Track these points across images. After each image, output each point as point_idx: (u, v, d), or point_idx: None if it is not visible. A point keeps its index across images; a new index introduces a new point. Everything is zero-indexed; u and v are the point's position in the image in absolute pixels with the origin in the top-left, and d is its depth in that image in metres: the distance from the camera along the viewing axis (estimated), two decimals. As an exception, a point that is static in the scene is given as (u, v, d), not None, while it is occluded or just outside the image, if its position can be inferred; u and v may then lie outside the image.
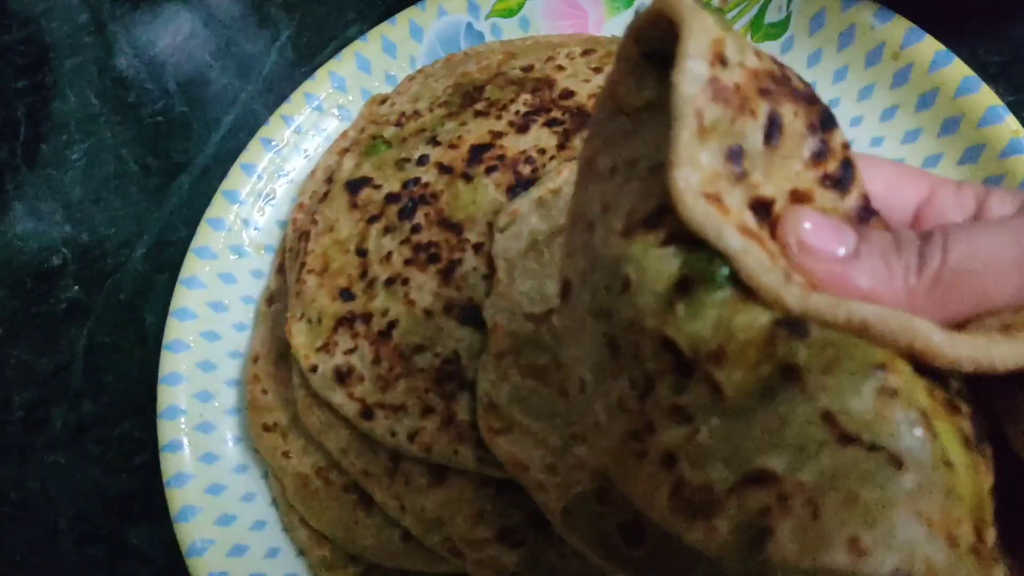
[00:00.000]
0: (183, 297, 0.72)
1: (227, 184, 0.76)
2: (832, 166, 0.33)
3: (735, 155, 0.31)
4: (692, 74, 0.29)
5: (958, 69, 0.66)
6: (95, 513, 0.74)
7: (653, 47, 0.33)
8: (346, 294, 0.63)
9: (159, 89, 0.93)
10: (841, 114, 0.70)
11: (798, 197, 0.32)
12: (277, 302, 0.72)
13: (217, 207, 0.75)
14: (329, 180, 0.73)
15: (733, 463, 0.30)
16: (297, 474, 0.64)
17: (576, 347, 0.35)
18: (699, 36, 0.29)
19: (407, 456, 0.57)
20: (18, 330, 0.83)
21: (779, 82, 0.32)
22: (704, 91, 0.29)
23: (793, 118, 0.31)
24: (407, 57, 0.82)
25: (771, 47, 0.76)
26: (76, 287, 0.84)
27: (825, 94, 0.72)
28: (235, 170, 0.77)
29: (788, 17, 0.76)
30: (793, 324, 0.29)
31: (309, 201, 0.73)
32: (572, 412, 0.44)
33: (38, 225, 0.88)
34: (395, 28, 0.81)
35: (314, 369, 0.61)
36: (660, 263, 0.31)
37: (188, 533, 0.63)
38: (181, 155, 0.89)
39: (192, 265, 0.73)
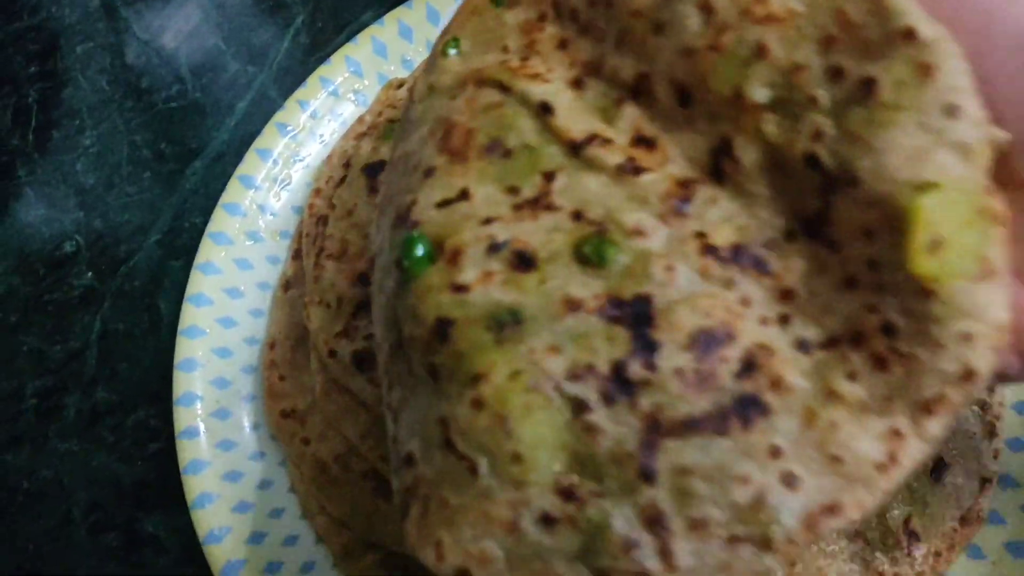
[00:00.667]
0: (199, 283, 0.71)
1: (242, 169, 0.75)
2: None
3: None
4: None
5: None
6: (109, 502, 0.74)
7: None
8: (365, 279, 0.62)
9: (172, 75, 0.92)
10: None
11: None
12: (294, 288, 0.71)
13: (232, 192, 0.75)
14: (346, 165, 0.72)
15: (410, 443, 0.37)
16: (315, 461, 0.63)
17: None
18: None
19: (428, 442, 0.57)
20: (31, 317, 0.83)
21: None
22: None
23: None
24: (424, 41, 0.81)
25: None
26: (89, 274, 0.83)
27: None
28: (250, 155, 0.76)
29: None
30: (446, 323, 0.36)
31: (326, 186, 0.73)
32: None
33: (50, 212, 0.87)
34: (412, 12, 0.80)
35: (333, 354, 0.60)
36: (394, 245, 0.40)
37: (205, 521, 0.63)
38: (195, 141, 0.88)
39: (208, 250, 0.72)
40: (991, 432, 0.58)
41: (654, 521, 0.33)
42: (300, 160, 0.77)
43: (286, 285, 0.72)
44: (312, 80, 0.79)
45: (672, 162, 0.39)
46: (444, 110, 0.43)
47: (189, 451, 0.65)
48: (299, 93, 0.78)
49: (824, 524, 0.33)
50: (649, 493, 0.34)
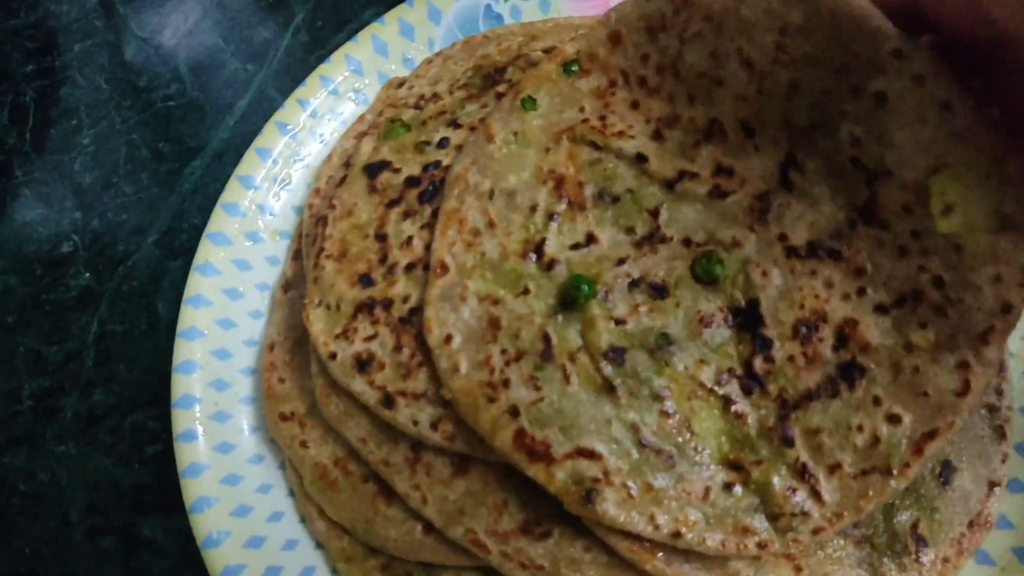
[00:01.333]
0: (197, 284, 0.70)
1: (242, 169, 0.75)
2: None
3: None
4: None
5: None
6: (107, 504, 0.73)
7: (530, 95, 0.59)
8: (365, 280, 0.61)
9: (170, 73, 0.92)
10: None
11: None
12: (293, 289, 0.71)
13: (232, 192, 0.74)
14: (346, 164, 0.71)
15: (568, 434, 0.50)
16: (315, 464, 0.62)
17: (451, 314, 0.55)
18: None
19: (429, 445, 0.56)
20: (28, 318, 0.82)
21: None
22: None
23: None
24: (425, 40, 0.80)
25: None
26: (87, 274, 0.83)
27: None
28: (250, 155, 0.75)
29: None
30: (618, 350, 0.52)
31: (326, 186, 0.72)
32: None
33: (48, 212, 0.87)
34: (413, 10, 0.79)
35: (333, 356, 0.59)
36: (550, 283, 0.55)
37: (204, 524, 0.62)
38: (193, 140, 0.87)
39: (207, 251, 0.71)
40: (1000, 435, 0.57)
41: (801, 472, 0.49)
42: (300, 160, 0.76)
43: (286, 286, 0.71)
44: (312, 79, 0.78)
45: (749, 182, 0.53)
46: (546, 162, 0.58)
47: (187, 454, 0.64)
48: (299, 92, 0.77)
49: (928, 446, 0.48)
50: (792, 453, 0.50)
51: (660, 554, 0.50)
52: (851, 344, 0.50)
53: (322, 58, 0.80)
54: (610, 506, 0.49)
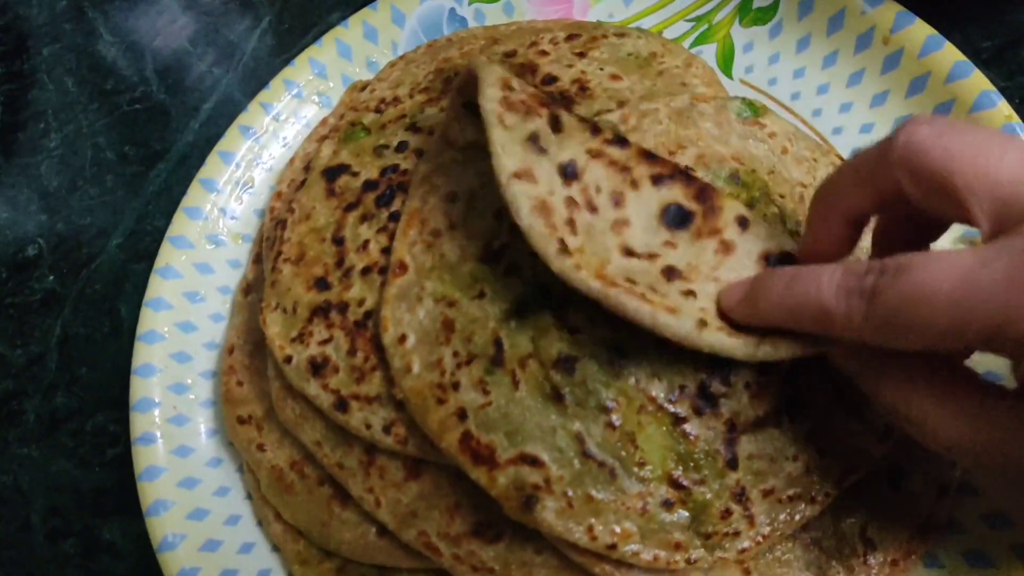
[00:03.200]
0: (158, 287, 0.70)
1: (204, 172, 0.75)
2: (608, 135, 0.53)
3: (534, 138, 0.50)
4: (489, 95, 0.50)
5: (950, 54, 0.65)
6: (68, 508, 0.73)
7: (470, 99, 0.53)
8: (322, 283, 0.61)
9: (137, 76, 0.92)
10: (831, 100, 0.69)
11: (593, 154, 0.51)
12: (254, 292, 0.71)
13: (194, 196, 0.74)
14: (307, 168, 0.71)
15: (513, 440, 0.50)
16: (272, 467, 0.62)
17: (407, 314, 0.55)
18: (490, 76, 0.51)
19: (382, 449, 0.56)
20: (-8, 321, 0.82)
21: (552, 100, 0.53)
22: (500, 104, 0.50)
23: (568, 117, 0.52)
24: (389, 43, 0.80)
25: (759, 32, 0.75)
26: (51, 277, 0.83)
27: (814, 79, 0.72)
28: (212, 158, 0.75)
29: (777, 1, 0.74)
30: (569, 359, 0.51)
31: (287, 189, 0.72)
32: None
33: (13, 215, 0.86)
34: (377, 14, 0.80)
35: (288, 360, 0.59)
36: (506, 287, 0.53)
37: (160, 528, 0.62)
38: (159, 143, 0.87)
39: (168, 254, 0.71)
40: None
41: (739, 495, 0.50)
42: (263, 163, 0.77)
43: (246, 289, 0.71)
44: (276, 82, 0.78)
45: None
46: None
47: (145, 457, 0.64)
48: (262, 95, 0.78)
49: (847, 481, 0.51)
50: (734, 476, 0.50)
51: (613, 561, 0.50)
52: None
53: (288, 61, 0.80)
54: (549, 514, 0.48)
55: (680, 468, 0.50)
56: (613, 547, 0.49)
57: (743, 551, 0.50)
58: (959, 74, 0.64)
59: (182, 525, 0.62)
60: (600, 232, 0.50)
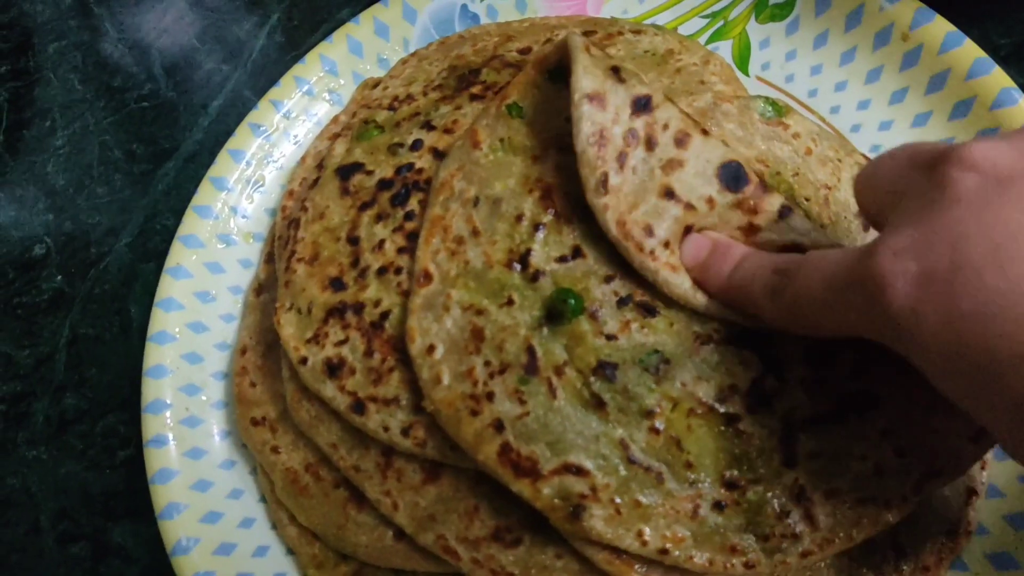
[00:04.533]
0: (169, 287, 0.69)
1: (214, 171, 0.74)
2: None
3: (616, 69, 0.51)
4: (576, 40, 0.53)
5: (969, 51, 0.64)
6: (78, 510, 0.72)
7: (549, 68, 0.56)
8: (337, 284, 0.60)
9: (145, 73, 0.91)
10: (848, 97, 0.69)
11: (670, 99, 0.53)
12: (266, 292, 0.70)
13: (204, 194, 0.73)
14: (319, 166, 0.70)
15: (555, 449, 0.49)
16: (286, 470, 0.61)
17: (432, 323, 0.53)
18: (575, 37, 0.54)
19: (400, 451, 0.55)
20: (-1, 321, 0.81)
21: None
22: (584, 45, 0.53)
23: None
24: (400, 40, 0.79)
25: (775, 29, 0.74)
26: (59, 277, 0.82)
27: (832, 76, 0.71)
28: (223, 156, 0.75)
29: (793, -3, 0.74)
30: (608, 366, 0.50)
31: (299, 188, 0.71)
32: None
33: (20, 214, 0.86)
34: (388, 10, 0.79)
35: (304, 361, 0.58)
36: (535, 295, 0.52)
37: (173, 531, 0.61)
38: (167, 141, 0.86)
39: (178, 254, 0.71)
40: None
41: (798, 495, 0.48)
42: (274, 161, 0.76)
43: (258, 289, 0.70)
44: (286, 79, 0.77)
45: None
46: (533, 171, 0.56)
47: (157, 460, 0.64)
48: (273, 93, 0.77)
49: (929, 485, 0.47)
50: (791, 475, 0.48)
51: (637, 566, 0.50)
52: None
53: (297, 58, 0.79)
54: (598, 522, 0.48)
55: (734, 468, 0.49)
56: (665, 552, 0.48)
57: (805, 554, 0.48)
58: (979, 71, 0.64)
59: (196, 528, 0.61)
60: (648, 171, 0.51)
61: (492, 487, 0.52)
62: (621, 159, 0.50)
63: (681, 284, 0.50)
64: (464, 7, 0.79)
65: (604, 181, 0.49)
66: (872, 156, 0.63)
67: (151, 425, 0.65)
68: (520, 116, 0.58)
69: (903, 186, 0.41)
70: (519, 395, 0.50)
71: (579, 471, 0.49)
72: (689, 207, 0.51)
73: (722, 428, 0.49)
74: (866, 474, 0.48)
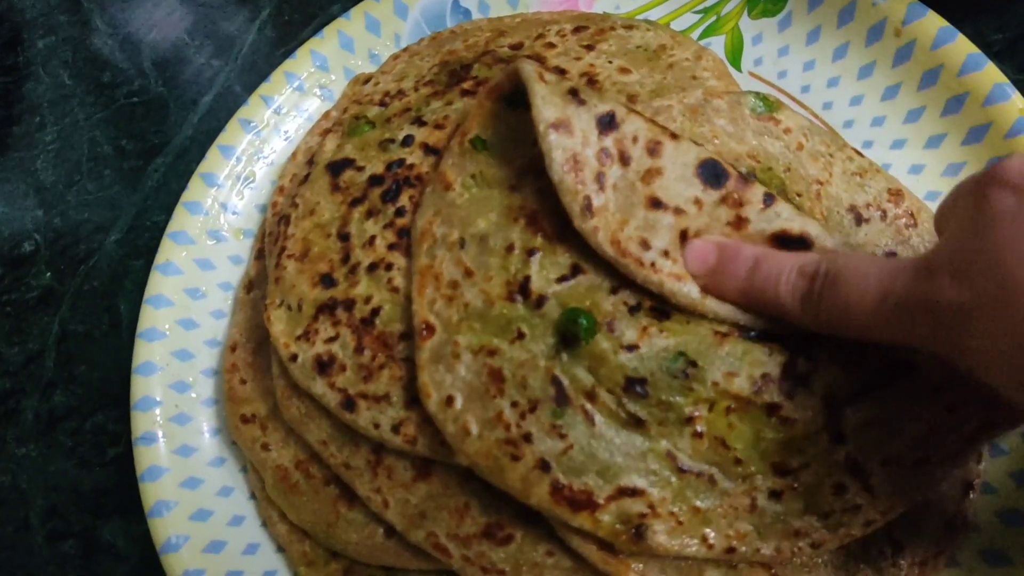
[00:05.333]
0: (158, 283, 0.69)
1: (204, 167, 0.73)
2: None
3: (573, 92, 0.51)
4: (527, 67, 0.53)
5: (962, 46, 0.64)
6: (68, 508, 0.72)
7: (503, 94, 0.56)
8: (327, 280, 0.60)
9: (135, 69, 0.90)
10: (841, 93, 0.69)
11: (632, 109, 0.52)
12: (256, 289, 0.69)
13: (194, 190, 0.73)
14: (310, 162, 0.70)
15: (606, 476, 0.48)
16: (276, 467, 0.61)
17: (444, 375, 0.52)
18: (525, 62, 0.53)
19: (391, 448, 0.55)
20: (-12, 318, 0.80)
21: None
22: (536, 71, 0.52)
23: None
24: (391, 35, 0.79)
25: (768, 24, 0.74)
26: (48, 274, 0.81)
27: (824, 72, 0.71)
28: (213, 152, 0.74)
29: (786, -8, 0.73)
30: (637, 382, 0.49)
31: (289, 184, 0.71)
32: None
33: (9, 210, 0.85)
34: (379, 5, 0.78)
35: (294, 358, 0.58)
36: (543, 322, 0.51)
37: (163, 529, 0.61)
38: (157, 137, 0.86)
39: (168, 250, 0.70)
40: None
41: (854, 468, 0.48)
42: (264, 157, 0.75)
43: (249, 286, 0.70)
44: (277, 75, 0.77)
45: None
46: (513, 199, 0.55)
47: (146, 457, 0.63)
48: (263, 88, 0.76)
49: (984, 437, 0.49)
50: (842, 450, 0.48)
51: (633, 564, 0.50)
52: None
53: (288, 54, 0.78)
54: (661, 536, 0.48)
55: (783, 456, 0.49)
56: (732, 550, 0.48)
57: (869, 523, 0.48)
58: (972, 67, 0.63)
59: (185, 526, 0.61)
60: (628, 185, 0.51)
61: (482, 484, 0.52)
62: (599, 180, 0.50)
63: (689, 293, 0.50)
64: (456, 3, 0.79)
65: (588, 205, 0.49)
66: (864, 152, 0.63)
67: (140, 422, 0.64)
68: (486, 148, 0.57)
69: (958, 211, 0.43)
70: (557, 430, 0.49)
71: (634, 492, 0.49)
72: (679, 212, 0.51)
73: (766, 419, 0.49)
74: (921, 434, 0.48)
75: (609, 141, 0.51)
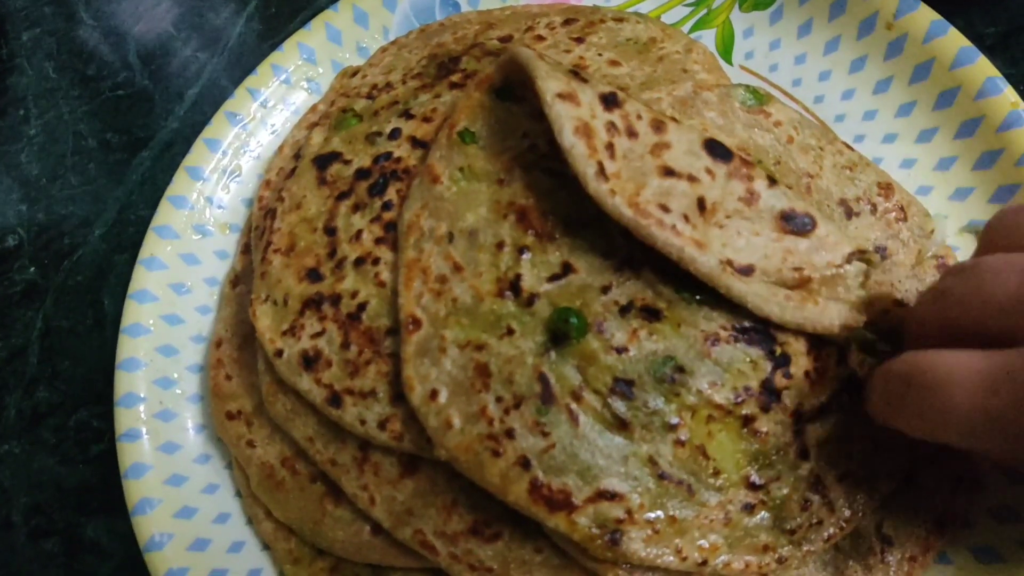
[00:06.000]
0: (142, 278, 0.68)
1: (190, 160, 0.73)
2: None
3: (575, 72, 0.52)
4: (525, 51, 0.53)
5: (954, 40, 0.64)
6: (51, 505, 0.71)
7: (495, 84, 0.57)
8: (314, 275, 0.59)
9: (120, 61, 0.89)
10: (833, 87, 0.68)
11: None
12: (242, 284, 0.69)
13: (179, 184, 0.72)
14: (297, 156, 0.69)
15: (586, 478, 0.48)
16: (262, 464, 0.60)
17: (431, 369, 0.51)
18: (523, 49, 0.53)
19: (377, 445, 0.54)
20: (-29, 314, 0.80)
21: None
22: (536, 54, 0.53)
23: None
24: (380, 27, 0.78)
25: (759, 17, 0.73)
26: (32, 269, 0.80)
27: (816, 66, 0.70)
28: (198, 145, 0.73)
29: (777, -14, 0.73)
30: (625, 383, 0.49)
31: (276, 178, 0.70)
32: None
33: (-8, 204, 0.84)
34: (367, -3, 0.78)
35: (279, 354, 0.57)
36: (534, 319, 0.51)
37: (146, 527, 0.60)
38: (142, 130, 0.85)
39: (152, 245, 0.69)
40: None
41: (816, 483, 0.50)
42: (250, 151, 0.75)
43: (234, 281, 0.69)
44: (264, 67, 0.76)
45: None
46: (502, 195, 0.55)
47: (130, 454, 0.62)
48: (250, 81, 0.76)
49: (916, 449, 0.50)
50: (807, 465, 0.50)
51: (623, 564, 0.49)
52: (850, 359, 0.51)
53: (275, 46, 0.78)
54: (636, 544, 0.47)
55: (755, 467, 0.50)
56: (704, 563, 0.48)
57: (829, 539, 0.49)
58: (964, 60, 0.63)
59: (169, 524, 0.60)
60: (638, 156, 0.50)
61: (470, 481, 0.51)
62: (610, 149, 0.49)
63: (707, 262, 0.48)
64: (445, -6, 0.79)
65: (601, 170, 0.48)
66: (856, 146, 0.62)
67: (124, 419, 0.64)
68: (474, 141, 0.56)
69: None
70: (540, 427, 0.49)
71: (613, 496, 0.48)
72: (693, 179, 0.50)
73: (741, 430, 0.50)
74: (868, 451, 0.50)
75: (615, 116, 0.50)
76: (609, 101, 0.51)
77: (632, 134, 0.50)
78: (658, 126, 0.51)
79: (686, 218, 0.49)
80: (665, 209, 0.49)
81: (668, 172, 0.50)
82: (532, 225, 0.53)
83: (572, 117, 0.48)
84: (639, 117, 0.51)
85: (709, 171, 0.51)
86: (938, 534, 0.53)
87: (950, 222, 0.62)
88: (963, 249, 0.61)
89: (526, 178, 0.55)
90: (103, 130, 0.86)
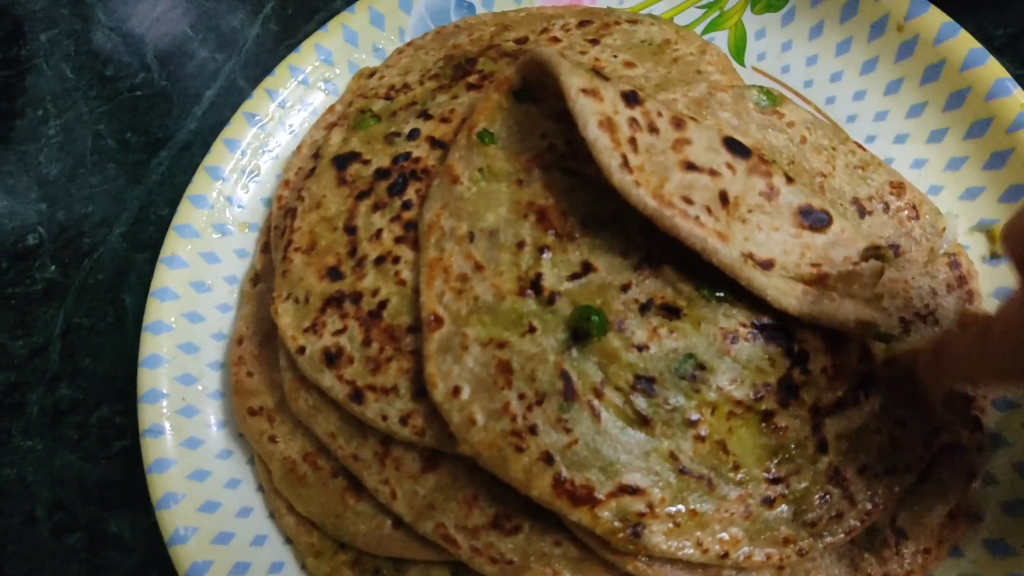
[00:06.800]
0: (164, 277, 0.69)
1: (209, 160, 0.74)
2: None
3: (596, 70, 0.53)
4: (547, 51, 0.54)
5: (964, 41, 0.64)
6: (74, 501, 0.72)
7: (514, 87, 0.58)
8: (334, 273, 0.60)
9: (138, 62, 0.90)
10: (844, 88, 0.69)
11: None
12: (262, 282, 0.70)
13: (199, 184, 0.73)
14: (316, 156, 0.70)
15: (609, 472, 0.49)
16: (284, 459, 0.61)
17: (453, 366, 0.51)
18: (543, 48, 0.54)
19: (399, 440, 0.55)
20: (-8, 312, 0.81)
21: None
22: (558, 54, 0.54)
23: None
24: (396, 29, 0.79)
25: (771, 19, 0.74)
26: (53, 267, 0.81)
27: (828, 67, 0.71)
28: (218, 146, 0.74)
29: (789, -12, 0.74)
30: (647, 380, 0.50)
31: (295, 177, 0.71)
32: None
33: (13, 203, 0.85)
34: (383, -1, 0.79)
35: (301, 351, 0.58)
36: (555, 318, 0.52)
37: (170, 521, 0.61)
38: (161, 130, 0.86)
39: (173, 243, 0.70)
40: (976, 426, 0.57)
41: (834, 476, 0.51)
42: (269, 151, 0.76)
43: (255, 279, 0.70)
44: (281, 68, 0.77)
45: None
46: (521, 195, 0.56)
47: (154, 449, 0.63)
48: (268, 82, 0.76)
49: (934, 442, 0.53)
50: (825, 459, 0.51)
51: (641, 557, 0.50)
52: (872, 354, 0.53)
53: (292, 47, 0.79)
54: (658, 537, 0.48)
55: (775, 461, 0.51)
56: (725, 556, 0.49)
57: (850, 531, 0.50)
58: (974, 62, 0.64)
59: (193, 518, 0.61)
60: (660, 151, 0.51)
61: (491, 475, 0.52)
62: (632, 143, 0.50)
63: (730, 254, 0.49)
64: (460, -4, 0.79)
65: (625, 162, 0.49)
66: (867, 146, 0.63)
67: (147, 414, 0.65)
68: (493, 142, 0.57)
69: None
70: (563, 423, 0.49)
71: (635, 491, 0.49)
72: (714, 173, 0.51)
73: (760, 425, 0.51)
74: (885, 445, 0.52)
75: (637, 113, 0.51)
76: (630, 99, 0.52)
77: (653, 130, 0.51)
78: (678, 123, 0.52)
79: (709, 210, 0.50)
80: (688, 201, 0.50)
81: (690, 166, 0.51)
82: (552, 225, 0.54)
83: (596, 112, 0.49)
84: (659, 114, 0.52)
85: (730, 166, 0.52)
86: (952, 527, 0.54)
87: (961, 221, 0.63)
88: (973, 247, 0.62)
89: (545, 178, 0.55)
90: (122, 130, 0.87)
